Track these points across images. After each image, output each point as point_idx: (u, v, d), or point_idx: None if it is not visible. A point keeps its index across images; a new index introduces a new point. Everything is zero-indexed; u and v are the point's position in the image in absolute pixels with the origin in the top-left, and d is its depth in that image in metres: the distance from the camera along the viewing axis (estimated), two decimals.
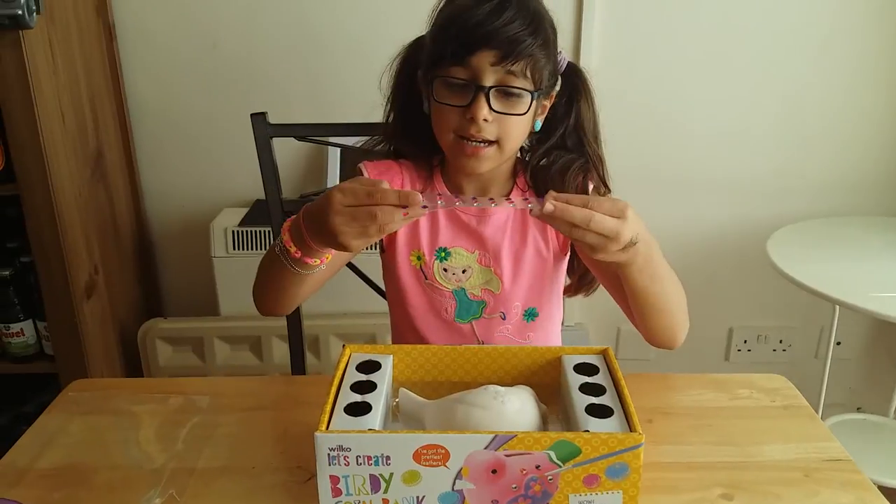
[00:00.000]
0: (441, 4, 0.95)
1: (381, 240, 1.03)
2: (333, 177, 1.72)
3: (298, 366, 1.40)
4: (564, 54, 0.98)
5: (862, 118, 1.80)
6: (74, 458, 0.81)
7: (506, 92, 0.89)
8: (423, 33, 0.99)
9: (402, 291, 1.03)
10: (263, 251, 1.64)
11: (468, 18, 0.87)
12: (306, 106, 1.74)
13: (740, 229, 1.86)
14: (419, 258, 1.03)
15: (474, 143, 0.91)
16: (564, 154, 0.99)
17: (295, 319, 1.40)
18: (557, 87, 0.97)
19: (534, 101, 0.91)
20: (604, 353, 0.83)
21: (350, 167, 1.71)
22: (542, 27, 0.89)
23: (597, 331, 1.99)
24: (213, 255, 1.69)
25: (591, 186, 1.00)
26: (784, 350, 2.01)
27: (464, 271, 1.02)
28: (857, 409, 2.03)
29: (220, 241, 1.69)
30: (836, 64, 1.75)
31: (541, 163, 1.00)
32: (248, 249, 1.68)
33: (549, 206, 0.73)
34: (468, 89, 0.89)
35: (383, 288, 1.29)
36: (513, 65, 0.87)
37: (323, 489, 0.70)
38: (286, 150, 1.69)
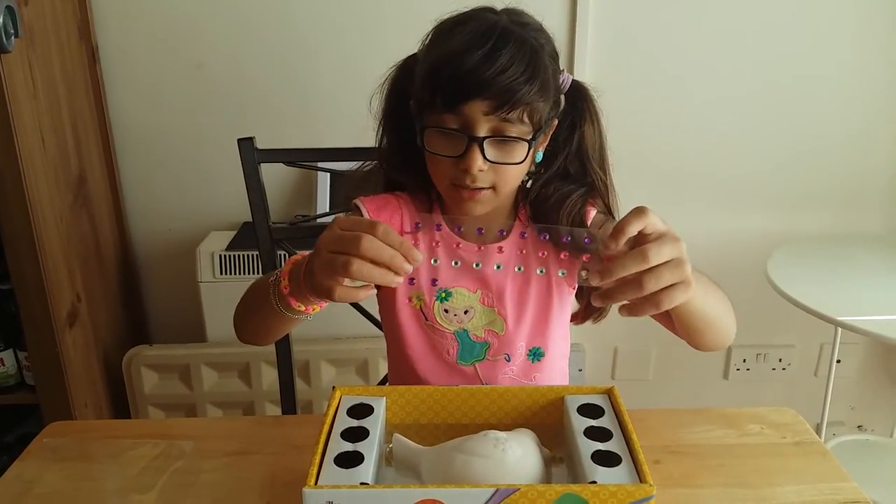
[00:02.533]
0: (430, 38, 0.90)
1: None
2: (323, 201, 1.68)
3: (288, 393, 1.36)
4: (567, 74, 0.93)
5: (865, 136, 1.78)
6: None
7: (500, 140, 0.85)
8: (414, 52, 0.94)
9: (400, 332, 0.98)
10: (252, 275, 1.62)
11: (459, 65, 0.82)
12: (295, 127, 1.70)
13: (740, 247, 1.83)
14: (419, 299, 0.98)
15: (471, 189, 0.87)
16: (564, 185, 0.94)
17: (284, 345, 1.35)
18: (560, 109, 0.92)
19: (531, 148, 0.87)
20: (608, 393, 0.79)
21: (340, 192, 1.68)
22: (539, 68, 0.84)
23: (594, 350, 1.95)
24: (200, 280, 1.65)
25: (591, 215, 0.96)
26: (784, 369, 1.97)
27: (465, 312, 0.97)
28: (858, 427, 2.01)
29: (206, 266, 1.64)
30: (840, 83, 1.73)
31: (539, 196, 0.95)
32: (235, 274, 1.64)
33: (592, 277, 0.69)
34: (461, 138, 0.85)
35: (377, 318, 1.26)
36: (508, 113, 0.83)
37: None
38: (275, 173, 1.66)
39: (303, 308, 0.80)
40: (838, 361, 1.87)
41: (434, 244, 0.97)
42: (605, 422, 0.75)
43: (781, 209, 1.83)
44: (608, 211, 0.97)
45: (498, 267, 0.95)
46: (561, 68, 0.92)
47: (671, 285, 0.69)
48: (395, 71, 0.96)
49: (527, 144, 0.85)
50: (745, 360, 1.96)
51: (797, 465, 0.82)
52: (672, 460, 0.83)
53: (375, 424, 0.74)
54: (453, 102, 0.83)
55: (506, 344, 0.97)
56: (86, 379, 1.62)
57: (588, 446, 0.71)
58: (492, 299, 0.97)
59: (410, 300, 0.98)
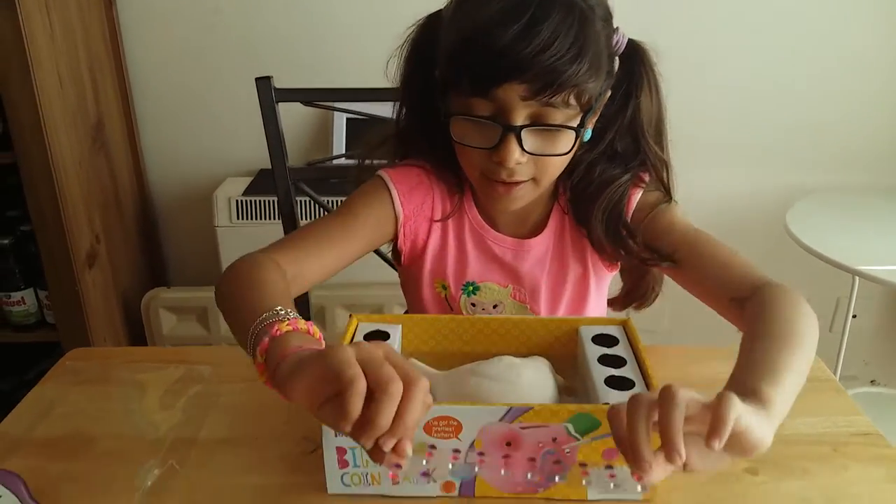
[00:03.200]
0: (455, 3, 0.76)
1: (399, 248, 0.90)
2: (339, 144, 1.67)
3: None
4: (622, 33, 0.79)
5: (889, 89, 1.74)
6: (71, 429, 0.78)
7: (540, 130, 0.73)
8: (438, 9, 0.81)
9: (423, 309, 0.93)
10: (268, 220, 1.63)
11: (490, 42, 0.68)
12: (312, 72, 1.69)
13: (760, 200, 1.81)
14: (444, 287, 0.91)
15: (506, 183, 0.77)
16: (610, 168, 0.83)
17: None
18: (614, 76, 0.79)
19: (578, 136, 0.75)
20: (623, 325, 0.80)
21: (356, 138, 1.67)
22: (589, 40, 0.69)
23: None
24: (217, 225, 1.66)
25: (634, 201, 0.85)
26: None
27: (494, 306, 0.91)
28: (871, 381, 2.01)
29: (223, 211, 1.65)
30: (865, 33, 1.69)
31: (582, 181, 0.85)
32: (251, 219, 1.65)
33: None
34: (494, 127, 0.73)
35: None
36: (551, 98, 0.70)
37: (329, 461, 0.67)
38: (291, 117, 1.65)
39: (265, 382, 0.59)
40: (854, 316, 1.87)
41: (463, 232, 0.90)
42: (619, 350, 0.75)
43: (801, 166, 1.81)
44: (665, 189, 0.85)
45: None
46: (615, 25, 0.78)
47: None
48: (416, 31, 0.82)
49: (573, 133, 0.74)
50: None
51: (810, 400, 0.81)
52: None
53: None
54: (484, 86, 0.70)
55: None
56: (105, 319, 1.65)
57: (601, 372, 0.71)
58: (524, 295, 0.91)
59: (434, 286, 0.92)
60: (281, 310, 0.61)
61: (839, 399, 0.83)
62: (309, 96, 1.16)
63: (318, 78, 1.68)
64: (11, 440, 0.76)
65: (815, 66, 1.73)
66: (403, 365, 0.51)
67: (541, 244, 0.90)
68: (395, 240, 0.90)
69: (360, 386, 0.48)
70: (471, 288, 0.91)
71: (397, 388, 0.49)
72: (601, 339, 0.77)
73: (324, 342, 0.61)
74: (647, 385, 0.69)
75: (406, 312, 1.02)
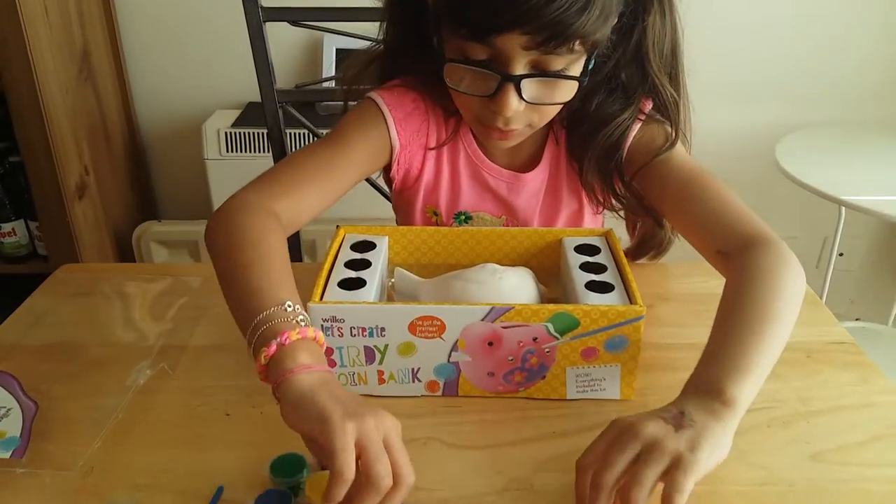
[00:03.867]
0: None
1: (392, 177, 0.88)
2: (329, 67, 1.65)
3: None
4: None
5: (880, 23, 1.73)
6: (63, 336, 0.80)
7: (541, 79, 0.70)
8: None
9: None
10: (257, 153, 1.62)
11: None
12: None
13: (748, 134, 1.81)
14: (436, 213, 0.90)
15: (502, 129, 0.75)
16: (609, 102, 0.78)
17: None
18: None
19: (582, 84, 0.71)
20: (605, 235, 0.81)
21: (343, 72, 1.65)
22: None
23: None
24: (206, 158, 1.65)
25: (631, 135, 0.80)
26: None
27: None
28: (856, 319, 2.04)
29: (212, 144, 1.64)
30: None
31: (578, 111, 0.81)
32: (241, 152, 1.64)
33: None
34: (491, 75, 0.69)
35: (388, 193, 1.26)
36: (555, 48, 0.66)
37: None
38: (279, 44, 1.63)
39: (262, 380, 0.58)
40: (840, 254, 1.89)
41: (457, 161, 0.88)
42: (600, 258, 0.76)
43: (789, 102, 1.80)
44: (672, 129, 0.79)
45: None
46: None
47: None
48: None
49: (576, 83, 0.71)
50: None
51: None
52: (663, 305, 0.85)
53: (378, 257, 0.76)
54: (483, 34, 0.66)
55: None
56: (97, 252, 1.65)
57: (582, 277, 0.73)
58: (516, 226, 0.90)
59: (426, 211, 0.91)
60: (289, 306, 0.59)
61: (816, 311, 0.85)
62: (297, 15, 1.14)
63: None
64: (4, 347, 0.78)
65: (805, 7, 1.71)
66: (398, 457, 0.52)
67: (536, 178, 0.88)
68: (388, 168, 0.88)
69: (348, 477, 0.49)
70: (463, 217, 0.91)
71: (386, 485, 0.50)
72: (584, 249, 0.78)
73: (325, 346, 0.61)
74: (627, 289, 0.70)
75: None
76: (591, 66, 0.73)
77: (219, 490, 0.58)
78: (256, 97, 1.15)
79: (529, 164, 0.88)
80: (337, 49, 1.66)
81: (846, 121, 1.80)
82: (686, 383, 0.60)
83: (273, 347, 0.55)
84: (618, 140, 0.80)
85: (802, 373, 0.74)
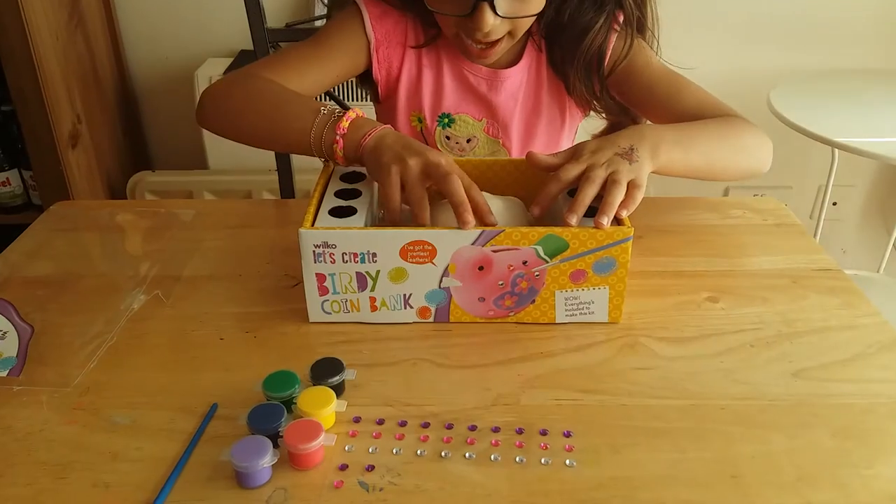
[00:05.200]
0: None
1: (377, 89, 0.93)
2: (321, 4, 1.63)
3: None
4: None
5: None
6: (59, 268, 0.81)
7: None
8: None
9: None
10: None
11: None
12: None
13: (740, 85, 1.79)
14: (420, 120, 0.93)
15: (482, 45, 0.80)
16: (583, 9, 0.84)
17: (286, 174, 1.37)
18: None
19: None
20: None
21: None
22: None
23: None
24: None
25: (612, 39, 0.86)
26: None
27: (468, 140, 0.93)
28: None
29: None
30: None
31: (556, 22, 0.86)
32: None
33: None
34: None
35: None
36: None
37: (309, 287, 0.69)
38: None
39: (342, 163, 0.75)
40: (834, 203, 1.90)
41: (440, 63, 0.91)
42: None
43: (785, 45, 1.78)
44: (633, 28, 0.86)
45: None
46: None
47: (615, 181, 0.67)
48: None
49: None
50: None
51: (774, 241, 0.85)
52: (654, 236, 0.86)
53: (368, 188, 0.76)
54: None
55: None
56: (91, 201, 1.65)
57: (570, 201, 0.73)
58: (497, 129, 0.93)
59: (410, 119, 0.93)
60: (324, 108, 0.74)
61: (803, 240, 0.86)
62: None
63: None
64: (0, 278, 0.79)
65: None
66: (441, 183, 0.67)
67: (515, 76, 0.91)
68: (370, 69, 0.90)
69: (393, 206, 0.69)
70: (446, 120, 0.93)
71: (424, 206, 0.67)
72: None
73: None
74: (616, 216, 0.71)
75: None
76: None
77: (213, 406, 0.59)
78: (248, 45, 1.14)
79: (509, 65, 0.92)
80: None
81: (841, 69, 1.79)
82: (640, 126, 0.74)
83: (340, 142, 0.72)
84: (600, 48, 0.86)
85: (787, 297, 0.75)
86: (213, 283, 0.77)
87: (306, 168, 1.68)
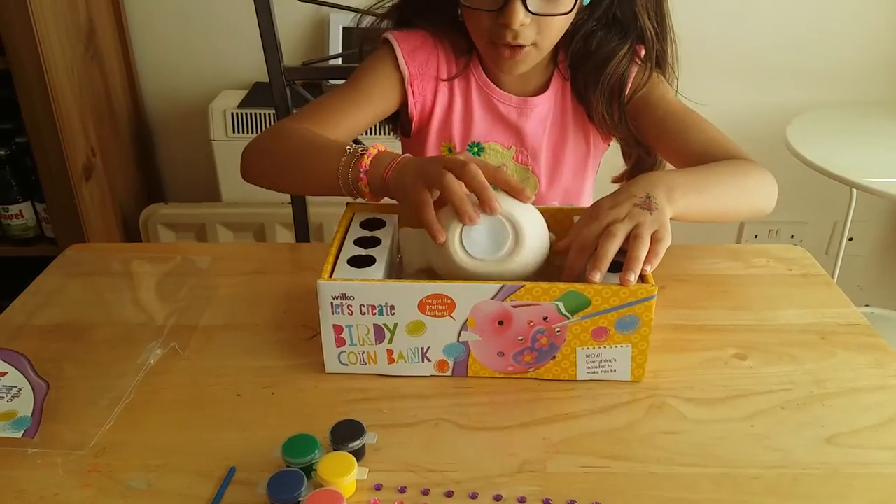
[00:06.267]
0: None
1: (410, 123, 0.94)
2: (335, 45, 1.64)
3: None
4: None
5: (893, 3, 1.70)
6: (73, 316, 0.79)
7: None
8: None
9: None
10: None
11: None
12: None
13: (757, 119, 1.79)
14: (450, 150, 0.94)
15: (511, 47, 0.81)
16: (608, 38, 0.87)
17: (300, 206, 1.36)
18: None
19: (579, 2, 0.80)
20: None
21: (352, 47, 1.64)
22: None
23: None
24: (213, 139, 1.64)
25: (633, 71, 0.89)
26: (795, 245, 1.97)
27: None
28: (866, 305, 2.03)
29: (219, 124, 1.63)
30: None
31: (581, 48, 0.89)
32: (248, 132, 1.63)
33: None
34: None
35: None
36: None
37: (326, 339, 0.68)
38: (285, 20, 1.61)
39: (370, 200, 0.76)
40: (850, 239, 1.88)
41: (469, 92, 0.92)
42: None
43: (801, 81, 1.78)
44: (653, 62, 0.89)
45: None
46: None
47: (638, 235, 0.66)
48: None
49: (573, 1, 0.78)
50: (756, 236, 1.97)
51: (800, 293, 0.84)
52: (677, 286, 0.84)
53: (387, 235, 0.75)
54: None
55: (537, 203, 0.88)
56: (104, 234, 1.65)
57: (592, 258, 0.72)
58: (526, 157, 0.94)
59: (441, 150, 0.94)
60: (349, 148, 0.75)
61: (830, 292, 0.84)
62: None
63: None
64: (14, 326, 0.78)
65: None
66: (466, 177, 0.66)
67: (543, 103, 0.93)
68: (405, 104, 0.92)
69: (429, 213, 0.68)
70: (476, 149, 0.94)
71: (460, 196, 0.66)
72: None
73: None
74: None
75: None
76: (587, 0, 0.84)
77: (231, 471, 0.58)
78: (263, 77, 1.14)
79: (537, 93, 0.94)
80: (343, 28, 1.65)
81: (857, 102, 1.78)
82: (651, 174, 0.73)
83: (364, 178, 0.73)
84: (622, 77, 0.88)
85: (817, 355, 0.73)
86: (230, 333, 0.76)
87: (320, 201, 1.67)
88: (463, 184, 0.66)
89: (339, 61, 1.52)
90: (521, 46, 0.81)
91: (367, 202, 0.77)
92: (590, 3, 0.85)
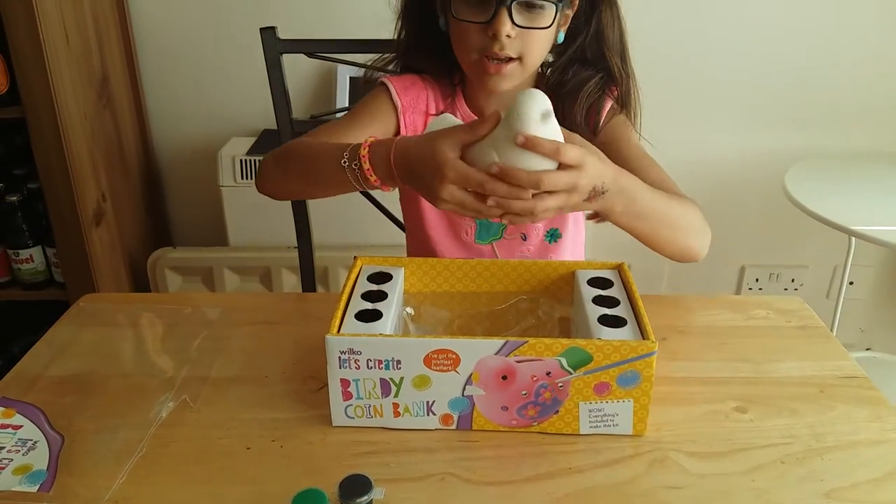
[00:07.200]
0: None
1: None
2: (343, 102, 1.68)
3: None
4: None
5: (884, 53, 1.74)
6: (86, 367, 0.81)
7: (528, 4, 0.85)
8: None
9: (421, 213, 1.01)
10: None
11: None
12: (314, 27, 1.70)
13: (756, 164, 1.82)
14: None
15: (497, 62, 0.87)
16: (583, 70, 0.94)
17: (306, 250, 1.38)
18: None
19: (558, 13, 0.87)
20: (618, 268, 0.82)
21: (359, 96, 1.69)
22: None
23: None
24: (221, 185, 1.67)
25: (607, 107, 0.96)
26: (796, 289, 1.99)
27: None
28: (867, 349, 2.03)
29: (227, 170, 1.67)
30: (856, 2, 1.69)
31: (558, 80, 0.95)
32: (255, 178, 1.66)
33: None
34: (488, 4, 0.85)
35: (399, 218, 1.28)
36: None
37: (334, 393, 0.70)
38: (295, 74, 1.66)
39: (381, 188, 0.79)
40: (850, 283, 1.89)
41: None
42: (613, 292, 0.78)
43: (799, 128, 1.81)
44: (621, 102, 0.96)
45: None
46: None
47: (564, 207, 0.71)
48: None
49: (554, 7, 0.86)
50: (757, 280, 1.98)
51: (799, 345, 0.85)
52: (678, 338, 0.86)
53: (394, 289, 0.78)
54: None
55: (522, 224, 1.00)
56: (112, 278, 1.67)
57: (595, 311, 0.74)
58: None
59: None
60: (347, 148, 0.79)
61: (827, 345, 0.85)
62: (313, 47, 1.17)
63: (323, 31, 1.68)
64: (29, 377, 0.79)
65: (816, 36, 1.73)
66: (462, 178, 0.70)
67: None
68: (398, 134, 0.98)
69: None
70: None
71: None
72: (597, 282, 0.79)
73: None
74: (639, 323, 0.71)
75: (404, 220, 1.10)
76: (562, 38, 0.92)
77: None
78: (272, 124, 1.17)
79: None
80: (350, 77, 1.69)
81: (855, 149, 1.81)
82: (628, 177, 0.76)
83: (370, 170, 0.77)
84: (598, 98, 0.95)
85: (816, 408, 0.74)
86: (240, 385, 0.78)
87: (326, 245, 1.71)
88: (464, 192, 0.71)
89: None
90: (507, 61, 0.88)
91: (379, 188, 0.80)
92: (563, 40, 0.93)
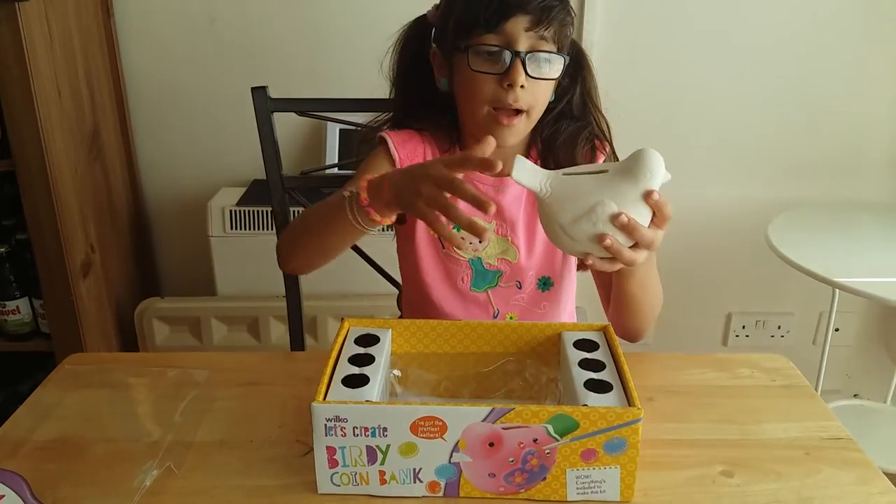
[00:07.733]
0: None
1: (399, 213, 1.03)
2: (332, 155, 1.70)
3: (297, 347, 1.40)
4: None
5: (868, 104, 1.79)
6: (71, 431, 0.80)
7: (538, 58, 0.90)
8: (425, 12, 0.99)
9: (417, 262, 1.03)
10: (261, 231, 1.66)
11: None
12: (306, 84, 1.72)
13: (741, 213, 1.85)
14: None
15: (508, 114, 0.91)
16: (572, 123, 0.99)
17: (294, 299, 1.39)
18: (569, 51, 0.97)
19: (564, 65, 0.92)
20: (604, 330, 0.83)
21: (349, 149, 1.71)
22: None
23: (595, 316, 1.98)
24: (211, 235, 1.68)
25: (601, 158, 1.01)
26: (782, 336, 2.00)
27: (480, 241, 1.01)
28: (854, 395, 2.04)
29: (217, 221, 1.67)
30: (843, 48, 1.74)
31: (551, 133, 1.00)
32: (245, 229, 1.67)
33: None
34: (502, 57, 0.89)
35: (387, 271, 1.30)
36: (545, 30, 0.89)
37: (320, 460, 0.69)
38: (285, 126, 1.67)
39: (378, 219, 0.81)
40: (836, 330, 1.91)
41: None
42: (598, 355, 0.78)
43: (783, 178, 1.85)
44: (614, 156, 1.01)
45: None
46: None
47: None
48: (407, 30, 1.01)
49: (561, 59, 0.91)
50: (744, 327, 1.99)
51: (784, 405, 0.86)
52: (664, 398, 0.86)
53: (381, 352, 0.78)
54: (497, 20, 0.88)
55: (517, 272, 1.02)
56: (99, 329, 1.66)
57: (581, 375, 0.74)
58: (506, 229, 1.02)
59: (427, 230, 1.02)
60: (346, 193, 0.82)
61: (812, 404, 0.86)
62: (303, 106, 1.19)
63: (313, 87, 1.72)
64: (12, 442, 0.78)
65: (799, 89, 1.77)
66: (436, 180, 0.73)
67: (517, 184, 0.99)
68: None
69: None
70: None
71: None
72: (582, 344, 0.80)
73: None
74: (625, 387, 0.72)
75: (400, 269, 1.11)
76: (553, 97, 0.97)
77: None
78: (261, 175, 1.19)
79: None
80: (340, 130, 1.71)
81: (838, 200, 1.84)
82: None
83: (371, 211, 0.79)
84: (591, 149, 1.00)
85: (802, 471, 0.74)
86: (225, 450, 0.77)
87: (314, 294, 1.71)
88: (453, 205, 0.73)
89: (335, 170, 1.58)
90: (518, 113, 0.91)
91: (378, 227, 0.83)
92: (555, 98, 0.98)
